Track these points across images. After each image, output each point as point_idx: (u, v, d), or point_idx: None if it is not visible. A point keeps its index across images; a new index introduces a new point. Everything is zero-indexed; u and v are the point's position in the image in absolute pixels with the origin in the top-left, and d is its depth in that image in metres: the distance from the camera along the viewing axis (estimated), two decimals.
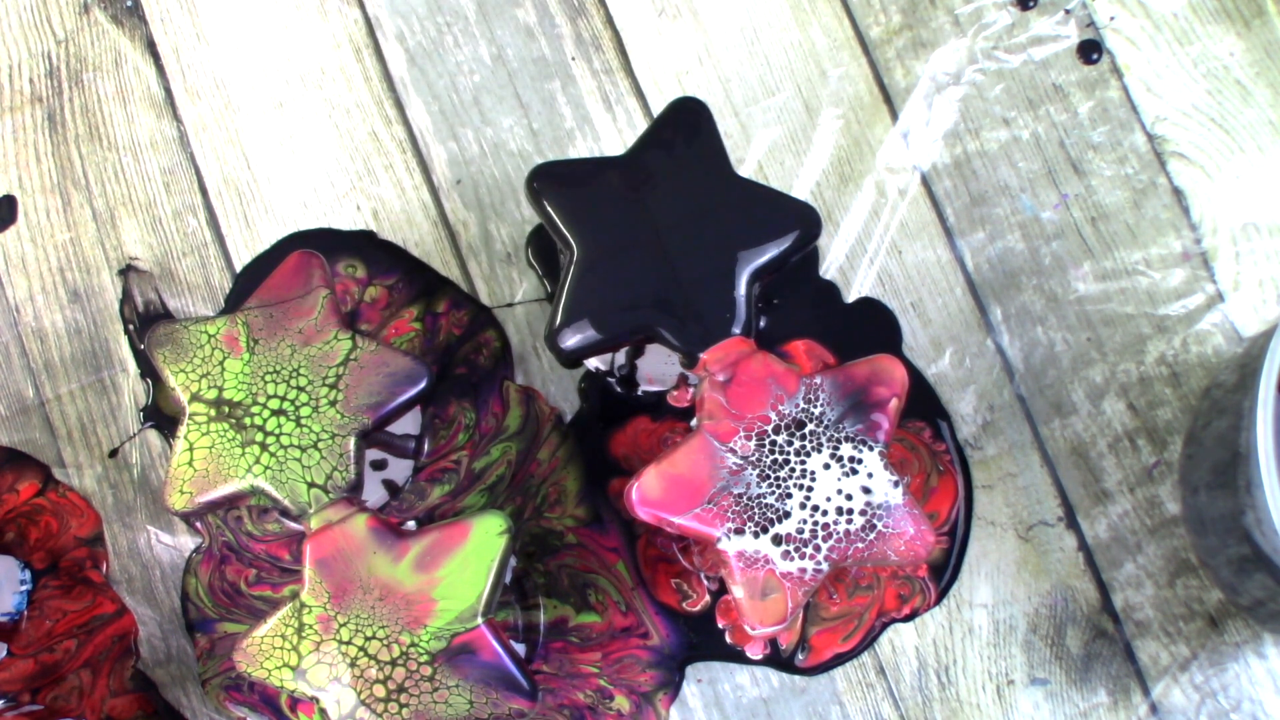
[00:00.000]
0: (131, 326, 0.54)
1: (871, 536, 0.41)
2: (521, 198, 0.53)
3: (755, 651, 0.49)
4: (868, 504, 0.42)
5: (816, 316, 0.51)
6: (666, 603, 0.50)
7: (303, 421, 0.43)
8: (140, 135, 0.55)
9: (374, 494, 0.51)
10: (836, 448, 0.42)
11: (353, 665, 0.41)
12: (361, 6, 0.55)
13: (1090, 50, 0.52)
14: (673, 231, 0.44)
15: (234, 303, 0.53)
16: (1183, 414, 0.50)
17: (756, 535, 0.41)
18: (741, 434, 0.42)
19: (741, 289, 0.43)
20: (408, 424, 0.51)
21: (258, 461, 0.43)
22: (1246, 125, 0.51)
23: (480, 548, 0.41)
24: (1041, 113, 0.52)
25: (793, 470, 0.42)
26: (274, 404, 0.44)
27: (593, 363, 0.52)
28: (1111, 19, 0.52)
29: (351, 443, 0.43)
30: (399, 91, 0.55)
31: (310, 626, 0.41)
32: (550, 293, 0.53)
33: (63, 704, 0.51)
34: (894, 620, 0.49)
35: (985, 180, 0.52)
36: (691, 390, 0.50)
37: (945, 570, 0.49)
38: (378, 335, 0.52)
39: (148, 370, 0.53)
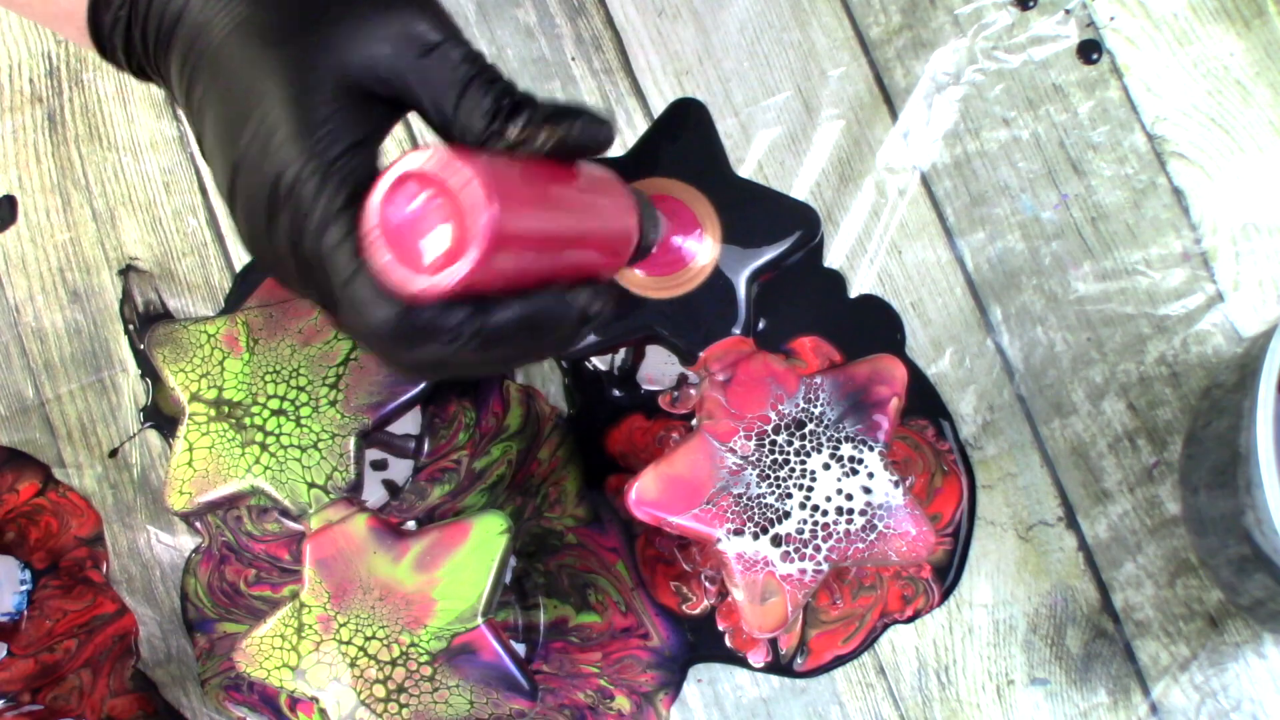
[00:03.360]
0: (131, 326, 0.54)
1: (872, 537, 0.41)
2: None
3: (757, 658, 0.49)
4: (868, 504, 0.42)
5: (820, 312, 0.51)
6: (666, 604, 0.50)
7: (303, 421, 0.43)
8: (140, 135, 0.55)
9: (374, 494, 0.51)
10: (837, 448, 0.42)
11: (353, 665, 0.41)
12: None
13: (1090, 50, 0.52)
14: None
15: (234, 303, 0.53)
16: (1183, 414, 0.50)
17: (756, 536, 0.41)
18: (741, 434, 0.42)
19: (741, 289, 0.43)
20: (408, 424, 0.51)
21: (258, 461, 0.43)
22: (1246, 125, 0.51)
23: (480, 548, 0.41)
24: (1041, 113, 0.52)
25: (793, 470, 0.42)
26: (274, 404, 0.44)
27: (594, 362, 0.52)
28: (1111, 19, 0.52)
29: (351, 443, 0.43)
30: None
31: (310, 626, 0.41)
32: None
33: (63, 704, 0.51)
34: (896, 621, 0.49)
35: (985, 180, 0.52)
36: (693, 391, 0.50)
37: (949, 571, 0.49)
38: None
39: (148, 370, 0.53)
